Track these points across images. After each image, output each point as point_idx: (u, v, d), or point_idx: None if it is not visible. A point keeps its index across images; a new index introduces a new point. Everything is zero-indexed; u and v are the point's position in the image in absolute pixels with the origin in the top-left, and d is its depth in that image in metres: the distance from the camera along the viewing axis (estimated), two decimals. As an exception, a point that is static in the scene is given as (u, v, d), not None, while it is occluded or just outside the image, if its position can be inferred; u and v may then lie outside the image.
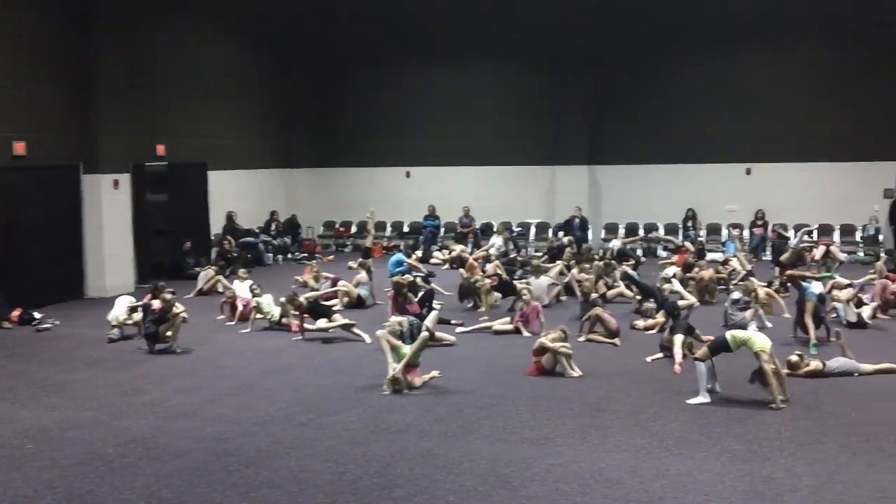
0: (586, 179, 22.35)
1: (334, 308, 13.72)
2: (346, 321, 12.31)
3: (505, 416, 8.54)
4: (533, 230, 22.56)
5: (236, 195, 21.47)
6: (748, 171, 21.48)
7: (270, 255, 21.38)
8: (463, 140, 23.26)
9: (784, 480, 6.75)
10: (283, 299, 12.90)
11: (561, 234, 20.93)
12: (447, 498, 6.50)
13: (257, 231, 21.96)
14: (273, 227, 22.54)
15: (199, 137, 19.96)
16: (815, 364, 9.85)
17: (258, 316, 13.05)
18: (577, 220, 21.18)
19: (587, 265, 15.64)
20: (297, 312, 12.55)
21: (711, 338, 9.68)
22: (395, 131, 23.90)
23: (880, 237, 20.15)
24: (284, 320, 12.91)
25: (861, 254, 19.69)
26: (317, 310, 12.63)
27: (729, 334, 9.08)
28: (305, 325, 12.42)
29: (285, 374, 10.42)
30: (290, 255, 22.10)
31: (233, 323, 13.53)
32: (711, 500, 6.41)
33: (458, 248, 19.40)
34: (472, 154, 23.24)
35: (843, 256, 16.78)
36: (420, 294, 13.68)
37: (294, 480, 6.86)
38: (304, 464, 7.24)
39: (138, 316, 12.44)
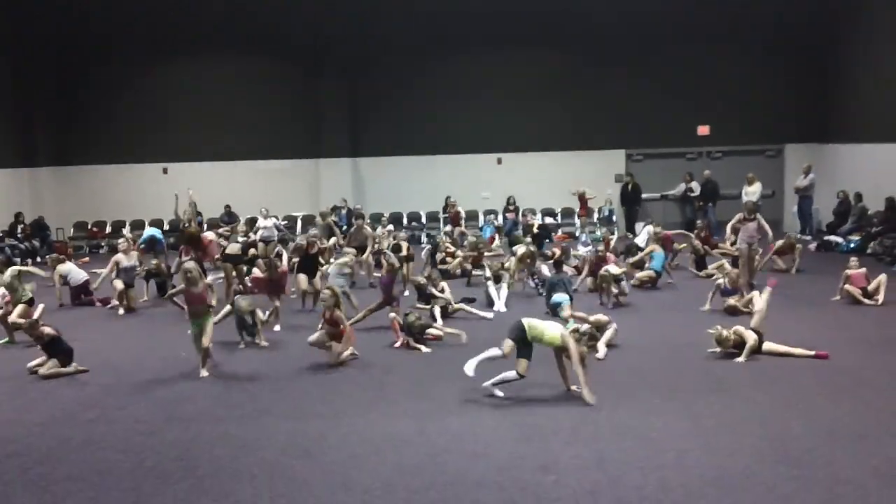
0: (350, 171, 22.99)
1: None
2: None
3: (297, 396, 8.94)
4: (300, 223, 22.84)
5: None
6: (499, 161, 23.15)
7: (18, 259, 20.03)
8: (223, 135, 23.10)
9: (547, 424, 7.75)
10: None
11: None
12: (251, 471, 6.84)
13: (1, 235, 20.51)
14: (19, 229, 21.13)
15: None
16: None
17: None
18: (343, 212, 21.81)
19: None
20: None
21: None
22: (149, 126, 23.22)
23: (614, 217, 22.51)
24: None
25: (598, 233, 21.82)
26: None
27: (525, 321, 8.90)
28: None
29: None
30: (39, 259, 20.82)
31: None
32: (489, 446, 7.25)
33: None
34: (233, 149, 23.10)
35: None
36: None
37: (94, 472, 6.89)
38: (101, 456, 7.26)
39: None
